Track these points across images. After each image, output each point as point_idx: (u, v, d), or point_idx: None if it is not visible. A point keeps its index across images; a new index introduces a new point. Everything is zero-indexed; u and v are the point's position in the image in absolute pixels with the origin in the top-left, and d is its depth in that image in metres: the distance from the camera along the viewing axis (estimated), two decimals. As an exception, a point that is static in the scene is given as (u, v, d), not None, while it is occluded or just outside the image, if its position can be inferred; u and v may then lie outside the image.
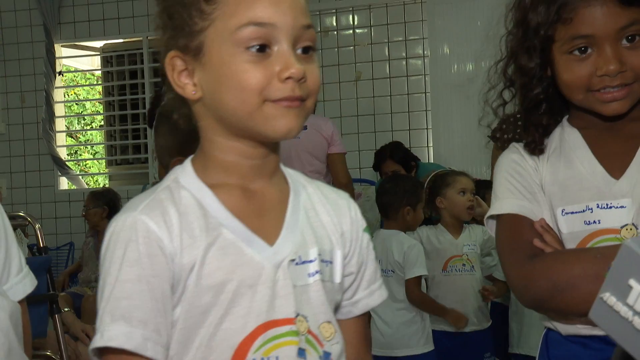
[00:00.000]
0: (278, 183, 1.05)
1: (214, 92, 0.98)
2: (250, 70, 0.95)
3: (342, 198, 1.11)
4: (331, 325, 1.03)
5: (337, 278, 1.06)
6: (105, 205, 5.20)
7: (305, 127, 3.88)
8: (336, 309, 1.08)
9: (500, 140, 1.50)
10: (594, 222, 1.30)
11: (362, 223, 1.11)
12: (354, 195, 4.21)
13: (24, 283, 1.32)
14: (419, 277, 3.32)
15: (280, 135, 0.98)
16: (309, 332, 1.00)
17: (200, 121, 1.03)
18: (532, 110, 1.39)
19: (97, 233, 5.28)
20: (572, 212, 1.32)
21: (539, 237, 1.31)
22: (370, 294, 1.11)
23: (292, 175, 1.09)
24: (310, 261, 1.02)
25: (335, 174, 3.95)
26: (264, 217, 1.02)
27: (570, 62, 1.31)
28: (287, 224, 1.02)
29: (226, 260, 0.96)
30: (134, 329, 0.91)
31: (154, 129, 1.90)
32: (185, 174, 1.02)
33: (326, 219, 1.07)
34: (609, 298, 0.74)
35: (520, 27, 1.36)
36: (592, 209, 1.30)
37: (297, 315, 0.99)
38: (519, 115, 1.45)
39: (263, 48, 0.96)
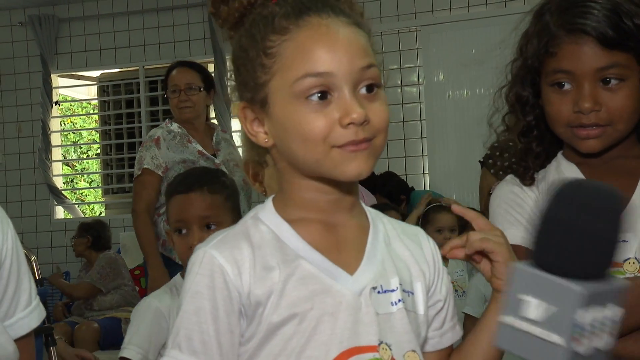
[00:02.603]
0: (358, 217, 1.08)
1: (282, 141, 1.02)
2: (312, 120, 0.97)
3: (421, 233, 1.14)
4: (416, 355, 1.03)
5: (421, 309, 1.07)
6: (89, 235, 5.22)
7: None
8: (424, 343, 1.08)
9: (494, 167, 1.50)
10: None
11: (441, 257, 1.13)
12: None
13: (30, 317, 1.31)
14: None
15: (350, 178, 1.00)
16: None
17: (277, 164, 1.06)
18: (524, 135, 1.41)
19: (87, 266, 5.29)
20: None
21: None
22: (453, 327, 1.13)
23: (371, 211, 1.12)
24: (392, 290, 1.03)
25: None
26: (344, 249, 1.04)
27: (552, 95, 1.34)
28: (368, 254, 1.05)
29: (306, 289, 0.99)
30: (186, 357, 0.98)
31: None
32: (265, 210, 1.06)
33: (404, 252, 1.09)
34: (507, 318, 0.77)
35: (520, 56, 1.39)
36: None
37: (381, 343, 1.00)
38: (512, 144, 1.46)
39: (324, 95, 0.98)
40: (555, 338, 0.73)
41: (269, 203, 1.07)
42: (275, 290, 0.98)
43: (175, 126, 3.42)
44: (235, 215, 1.86)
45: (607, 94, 1.29)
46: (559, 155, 1.43)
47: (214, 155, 3.41)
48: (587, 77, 1.29)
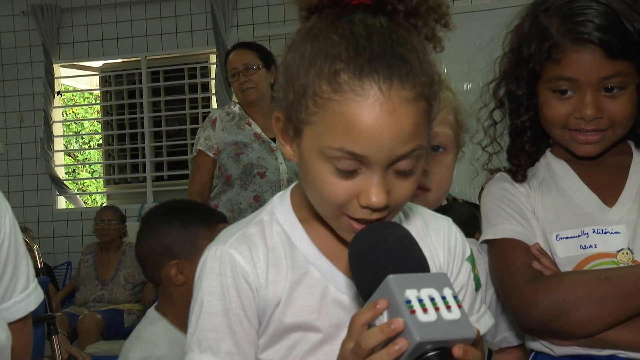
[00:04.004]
0: None
1: (302, 175, 0.98)
2: (334, 186, 0.92)
3: (442, 227, 1.09)
4: None
5: None
6: (124, 223, 5.22)
7: None
8: None
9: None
10: (590, 246, 1.33)
11: (465, 252, 1.09)
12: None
13: (27, 301, 1.31)
14: None
15: (349, 239, 0.96)
16: None
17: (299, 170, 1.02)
18: (518, 136, 1.42)
19: (95, 250, 5.26)
20: (568, 237, 1.34)
21: (536, 261, 1.33)
22: (477, 319, 1.10)
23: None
24: None
25: None
26: None
27: (552, 99, 1.35)
28: None
29: (312, 299, 0.99)
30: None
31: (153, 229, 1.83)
32: (282, 206, 1.04)
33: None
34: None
35: (514, 53, 1.39)
36: (587, 234, 1.33)
37: None
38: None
39: (353, 171, 0.92)
40: (399, 321, 0.81)
41: (286, 197, 1.05)
42: (282, 297, 0.98)
43: (236, 107, 3.37)
44: None
45: (609, 100, 1.31)
46: (547, 152, 1.44)
47: (273, 139, 3.27)
48: (590, 85, 1.30)
